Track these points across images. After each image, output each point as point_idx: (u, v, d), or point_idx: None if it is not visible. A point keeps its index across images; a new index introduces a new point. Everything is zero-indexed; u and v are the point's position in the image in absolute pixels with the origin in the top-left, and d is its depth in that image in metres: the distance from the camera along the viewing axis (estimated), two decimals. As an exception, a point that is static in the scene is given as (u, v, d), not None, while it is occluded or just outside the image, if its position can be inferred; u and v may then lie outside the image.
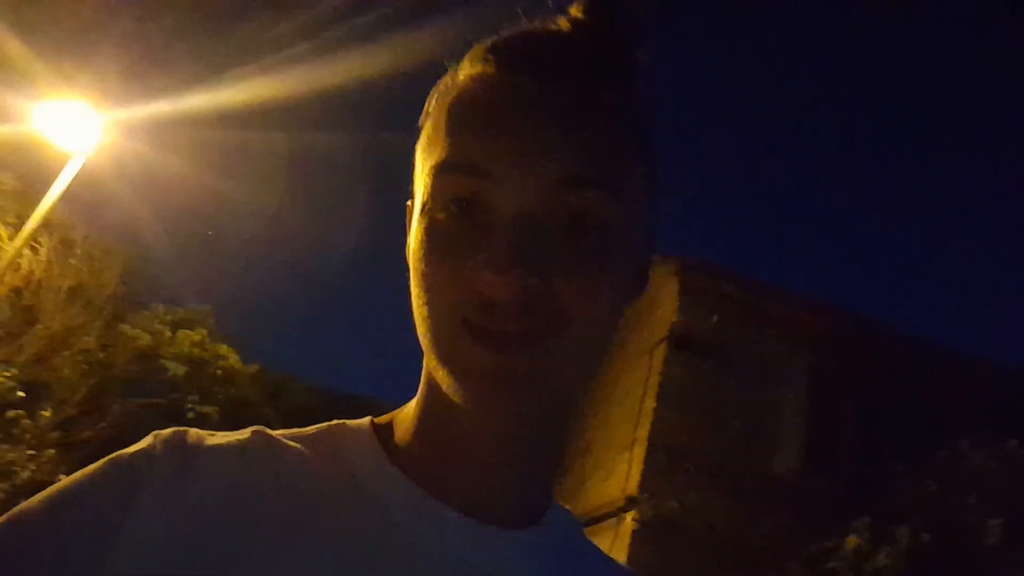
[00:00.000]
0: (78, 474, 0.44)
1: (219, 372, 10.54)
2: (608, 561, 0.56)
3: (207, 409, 9.82)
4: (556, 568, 0.49)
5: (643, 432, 7.35)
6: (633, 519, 6.96)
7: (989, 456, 5.69)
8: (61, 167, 6.40)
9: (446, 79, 0.49)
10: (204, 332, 10.65)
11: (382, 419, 0.53)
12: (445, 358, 0.43)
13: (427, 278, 0.44)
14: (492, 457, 0.47)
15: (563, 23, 0.46)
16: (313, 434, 0.51)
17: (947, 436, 6.06)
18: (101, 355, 9.31)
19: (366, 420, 0.53)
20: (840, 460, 7.35)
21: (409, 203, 0.52)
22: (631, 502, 7.08)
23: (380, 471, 0.48)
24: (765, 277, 8.09)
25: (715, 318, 7.67)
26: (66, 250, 9.02)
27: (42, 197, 6.31)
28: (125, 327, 9.83)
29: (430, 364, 0.46)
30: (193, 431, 0.48)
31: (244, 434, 0.49)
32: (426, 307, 0.44)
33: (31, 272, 8.49)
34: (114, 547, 0.40)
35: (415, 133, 0.50)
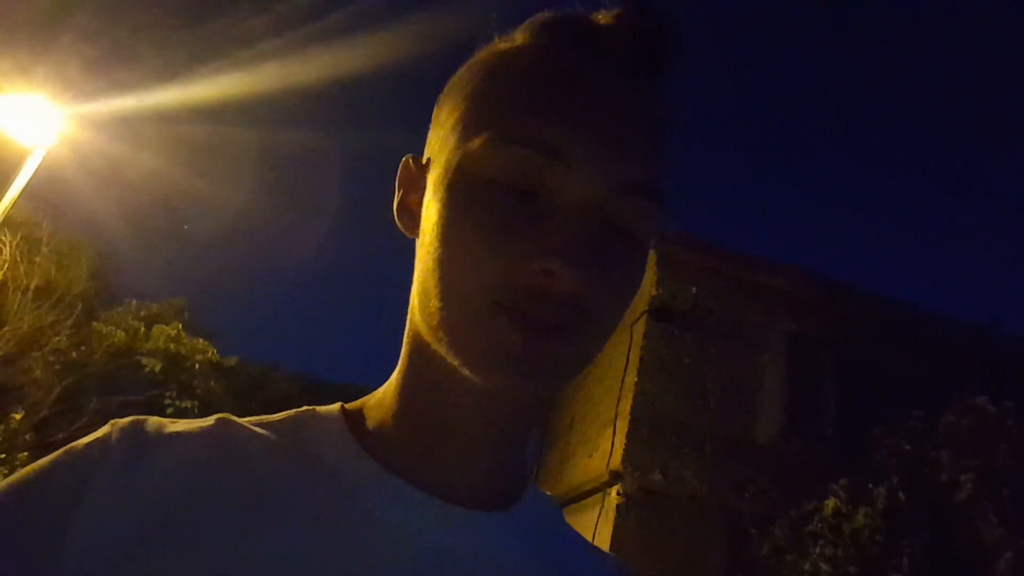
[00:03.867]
0: (31, 466, 0.43)
1: (197, 366, 10.40)
2: (585, 543, 0.55)
3: (186, 404, 9.71)
4: (532, 548, 0.48)
5: (626, 406, 7.43)
6: (618, 493, 7.05)
7: (961, 414, 5.86)
8: (20, 164, 6.21)
9: (492, 47, 0.47)
10: (179, 326, 10.48)
11: (352, 405, 0.52)
12: (470, 339, 0.41)
13: (460, 252, 0.41)
14: (475, 442, 0.47)
15: (604, 17, 0.44)
16: (280, 420, 0.50)
17: (923, 397, 6.22)
18: (74, 354, 9.13)
19: (336, 405, 0.51)
20: (821, 424, 7.51)
21: (409, 159, 0.50)
22: (615, 476, 7.17)
23: (349, 455, 0.47)
24: (743, 247, 8.15)
25: (694, 289, 7.74)
26: (31, 248, 8.79)
27: (2, 194, 6.12)
28: (98, 325, 9.64)
29: (438, 341, 0.43)
30: (153, 419, 0.46)
31: (207, 421, 0.48)
32: (451, 283, 0.42)
33: (-5, 272, 8.27)
34: (67, 539, 0.39)
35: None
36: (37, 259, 8.78)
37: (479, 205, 0.41)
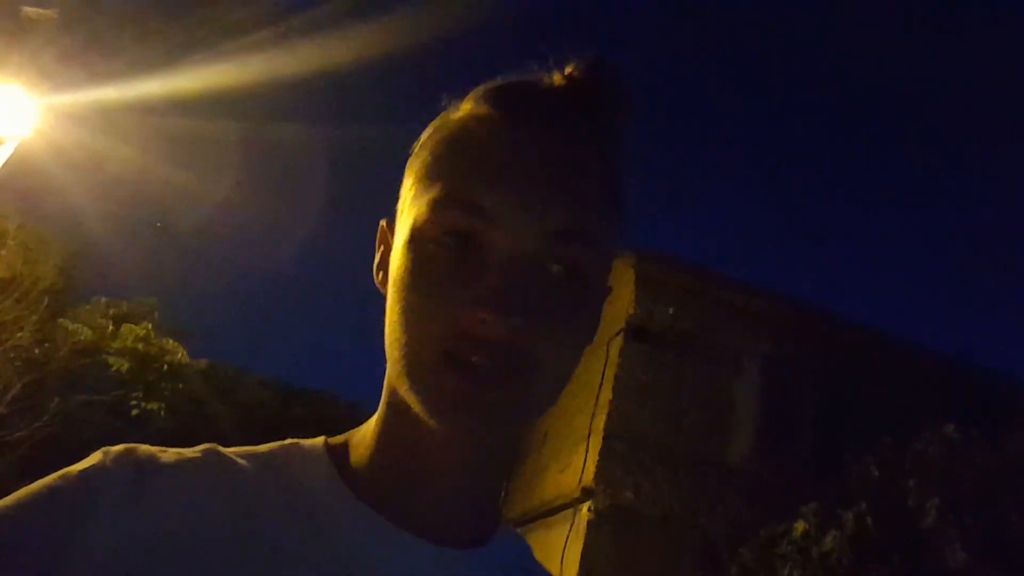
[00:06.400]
0: (24, 491, 0.43)
1: (165, 367, 10.18)
2: None
3: (152, 406, 9.49)
4: None
5: (600, 423, 7.42)
6: (589, 510, 7.03)
7: (928, 441, 5.95)
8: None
9: (446, 115, 0.51)
10: (149, 326, 10.26)
11: (336, 440, 0.54)
12: (422, 386, 0.45)
13: (411, 306, 0.45)
14: (450, 480, 0.49)
15: (557, 78, 0.49)
16: (267, 453, 0.51)
17: (893, 423, 6.31)
18: (37, 351, 8.87)
19: (320, 440, 0.53)
20: (794, 447, 7.57)
21: (383, 223, 0.55)
22: (587, 493, 7.15)
23: (333, 492, 0.49)
24: (722, 268, 8.24)
25: (671, 310, 7.78)
26: (-3, 240, 8.56)
27: (-29, 184, 5.95)
28: (64, 321, 9.40)
29: (402, 388, 0.47)
30: (143, 447, 0.47)
31: (196, 452, 0.49)
32: (406, 334, 0.46)
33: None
34: (68, 564, 0.39)
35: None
36: (2, 252, 8.55)
37: (427, 262, 0.46)
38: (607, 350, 7.80)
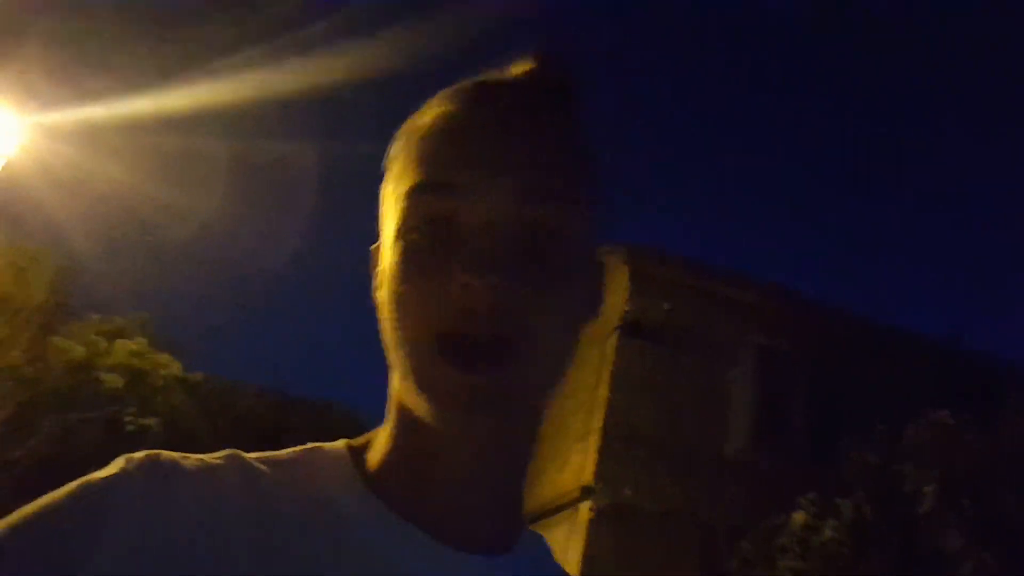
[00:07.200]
0: (45, 498, 0.43)
1: (160, 382, 10.12)
2: None
3: (148, 421, 9.43)
4: None
5: (597, 422, 7.44)
6: (589, 508, 7.04)
7: (923, 427, 5.99)
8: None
9: (409, 122, 0.52)
10: (143, 341, 10.20)
11: (358, 441, 0.53)
12: (420, 382, 0.45)
13: (403, 298, 0.45)
14: (464, 483, 0.49)
15: (514, 71, 0.51)
16: (288, 458, 0.51)
17: (888, 410, 6.35)
18: (30, 370, 8.82)
19: (342, 443, 0.53)
20: (790, 438, 7.61)
21: (374, 247, 0.54)
22: (586, 492, 7.16)
23: (356, 497, 0.48)
24: (714, 262, 8.26)
25: (666, 305, 7.81)
26: (-14, 260, 8.49)
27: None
28: (56, 339, 9.33)
29: (406, 389, 0.47)
30: (165, 454, 0.47)
31: (218, 458, 0.49)
32: (401, 329, 0.46)
33: (-52, 284, 7.96)
34: (88, 572, 0.39)
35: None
36: (-8, 271, 8.48)
37: (412, 251, 0.46)
38: (603, 348, 7.82)
